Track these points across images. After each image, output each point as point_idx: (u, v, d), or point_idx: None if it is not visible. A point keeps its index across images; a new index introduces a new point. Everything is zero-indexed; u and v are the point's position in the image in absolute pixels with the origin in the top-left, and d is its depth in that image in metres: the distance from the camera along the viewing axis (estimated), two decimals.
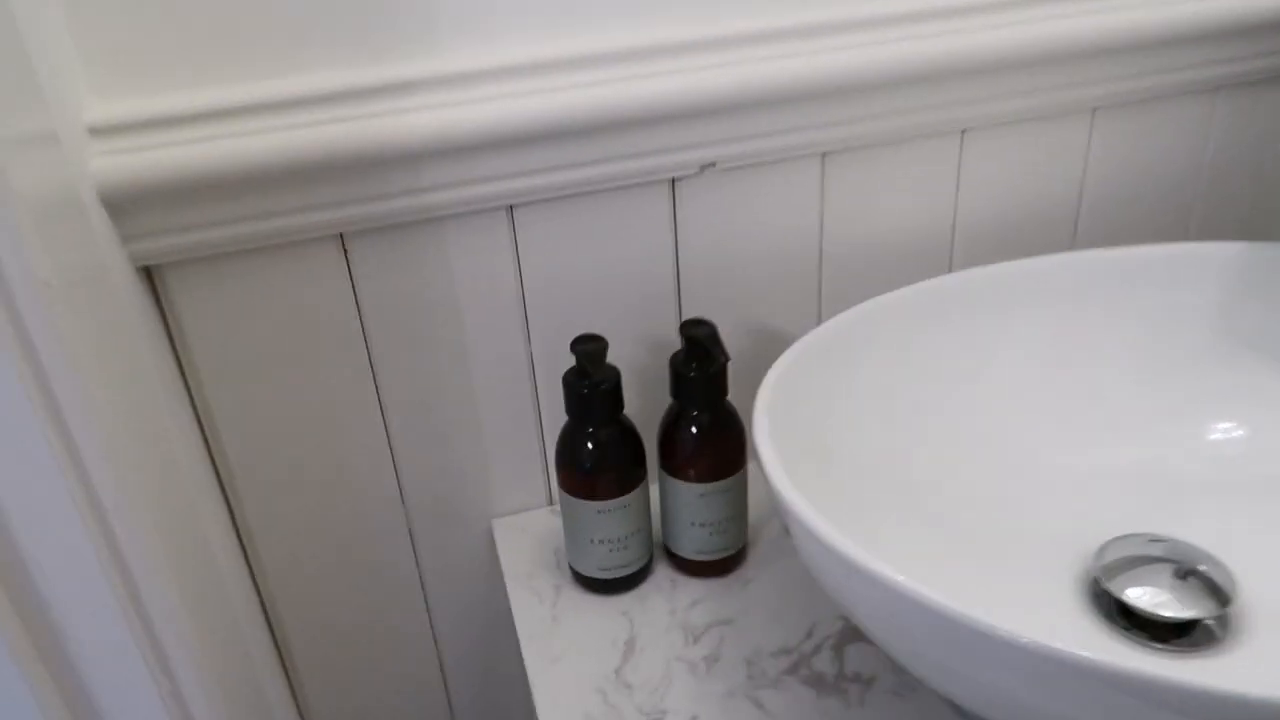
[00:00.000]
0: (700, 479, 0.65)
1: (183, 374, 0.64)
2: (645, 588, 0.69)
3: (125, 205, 0.57)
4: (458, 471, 0.74)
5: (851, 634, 0.64)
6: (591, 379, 0.62)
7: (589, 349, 0.61)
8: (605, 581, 0.68)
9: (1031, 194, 0.76)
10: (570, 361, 0.63)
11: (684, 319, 0.65)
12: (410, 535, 0.75)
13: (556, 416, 0.67)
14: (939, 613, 0.43)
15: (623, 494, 0.65)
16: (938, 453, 0.65)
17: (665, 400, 0.67)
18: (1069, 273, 0.68)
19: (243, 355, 0.64)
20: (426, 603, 0.78)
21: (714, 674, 0.62)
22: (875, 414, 0.64)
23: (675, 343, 0.72)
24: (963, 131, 0.72)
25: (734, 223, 0.70)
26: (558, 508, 0.77)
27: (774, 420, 0.55)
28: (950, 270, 0.77)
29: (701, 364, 0.63)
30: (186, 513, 0.59)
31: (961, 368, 0.67)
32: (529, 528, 0.76)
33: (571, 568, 0.70)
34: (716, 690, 0.61)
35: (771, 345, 0.74)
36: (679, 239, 0.70)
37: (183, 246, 0.60)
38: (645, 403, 0.70)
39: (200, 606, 0.56)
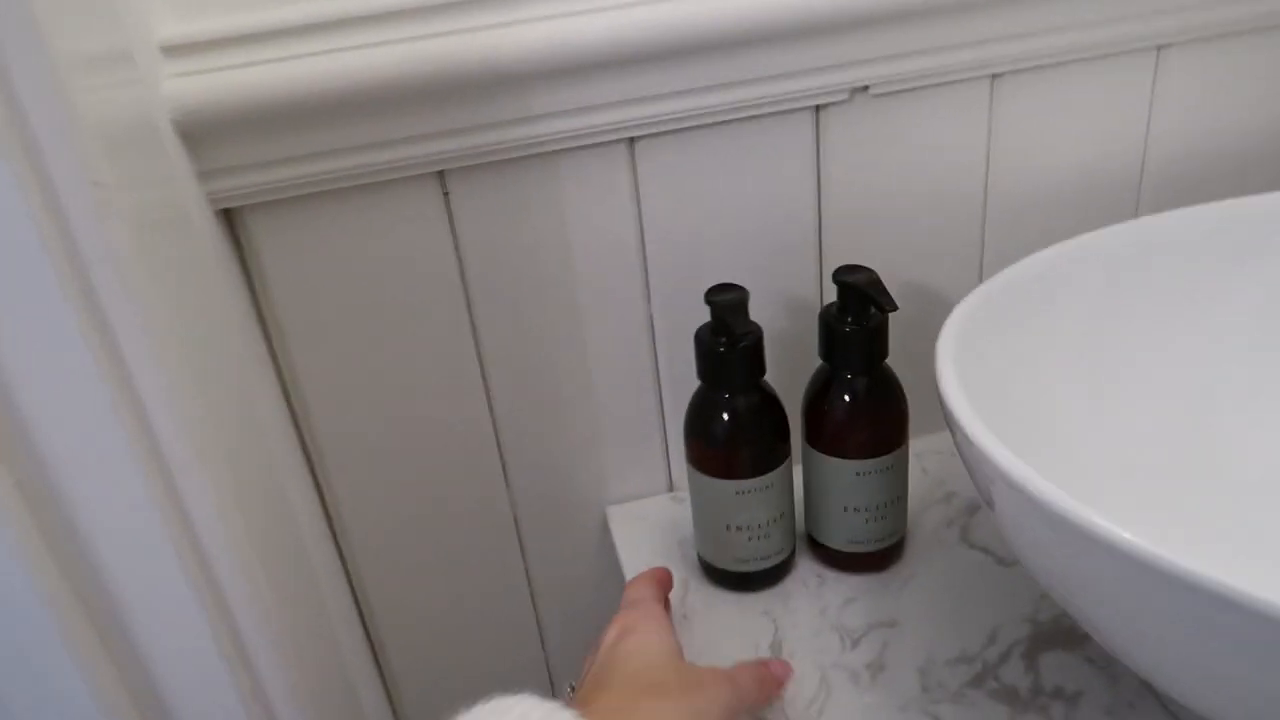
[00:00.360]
0: (856, 455, 0.55)
1: (265, 330, 0.57)
2: (788, 584, 0.59)
3: (202, 134, 0.50)
4: (568, 449, 0.65)
5: (1045, 639, 0.53)
6: (731, 335, 0.53)
7: (728, 299, 0.52)
8: (743, 575, 0.58)
9: (1241, 125, 0.64)
10: (696, 320, 0.54)
11: (830, 270, 0.55)
12: (515, 522, 0.67)
13: (679, 387, 0.58)
14: (1230, 599, 0.32)
15: (765, 472, 0.55)
16: (1151, 419, 0.54)
17: (804, 369, 0.57)
18: None
19: (331, 309, 0.57)
20: (533, 599, 0.69)
21: (880, 685, 0.52)
22: (1079, 368, 0.54)
23: (813, 302, 0.62)
24: (1159, 48, 0.61)
25: (887, 158, 0.60)
26: (680, 493, 0.68)
27: (962, 372, 0.45)
28: (1137, 215, 0.66)
29: (859, 317, 0.53)
30: (269, 485, 0.52)
31: (1183, 319, 0.56)
32: (649, 515, 0.67)
33: (701, 559, 0.60)
34: (886, 704, 0.51)
35: (926, 305, 0.64)
36: (821, 178, 0.60)
37: (265, 185, 0.52)
38: (781, 373, 0.60)
39: (285, 593, 0.48)
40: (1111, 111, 0.62)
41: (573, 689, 0.51)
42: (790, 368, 0.61)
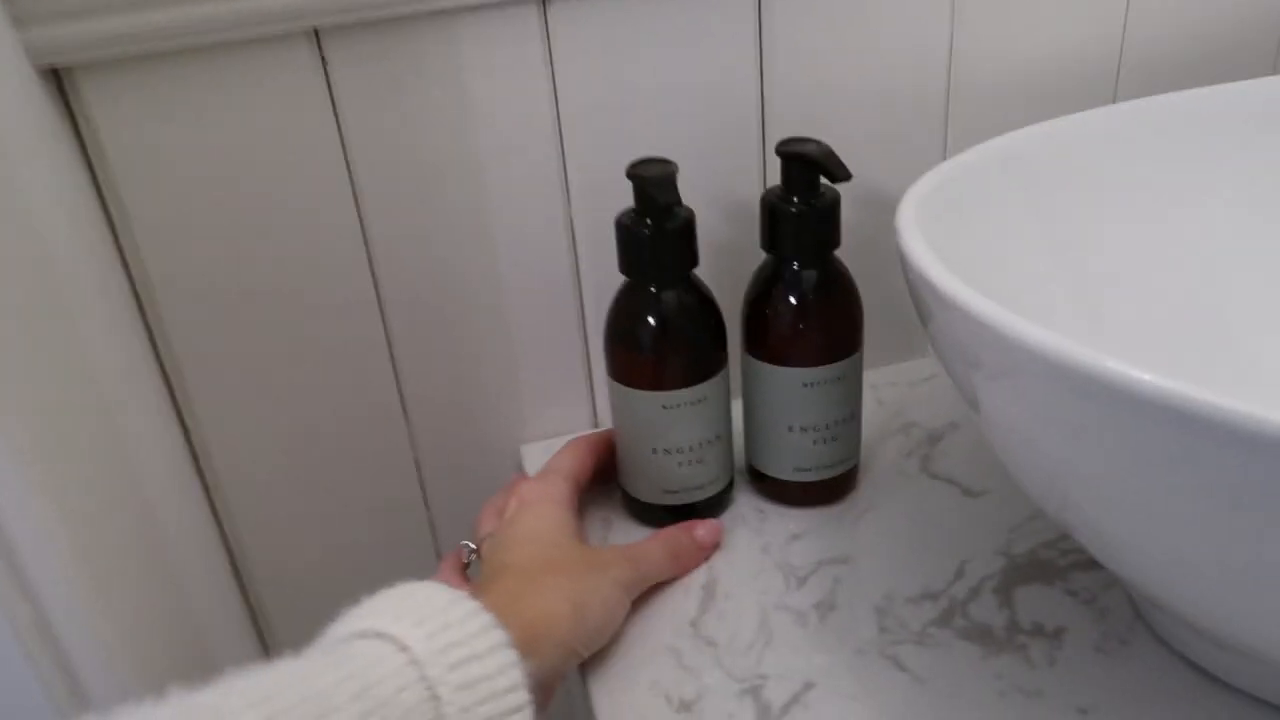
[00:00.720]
0: (804, 362, 0.47)
1: (110, 222, 0.48)
2: (725, 520, 0.51)
3: None
4: (476, 376, 0.57)
5: (1021, 573, 0.46)
6: (657, 216, 0.45)
7: (654, 172, 0.44)
8: (673, 510, 0.50)
9: (1220, 10, 0.58)
10: (619, 208, 0.46)
11: (774, 167, 0.48)
12: (416, 464, 0.58)
13: (605, 302, 0.49)
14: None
15: (698, 383, 0.47)
16: (1130, 308, 0.47)
17: (742, 275, 0.50)
18: None
19: (187, 200, 0.48)
20: (437, 548, 0.61)
21: (831, 626, 0.44)
22: (1048, 254, 0.46)
23: (754, 200, 0.54)
24: None
25: (838, 35, 0.53)
26: (605, 427, 0.60)
27: (927, 234, 0.38)
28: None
29: (807, 196, 0.46)
30: (94, 405, 0.42)
31: (1159, 206, 0.49)
32: None
33: (625, 493, 0.52)
34: (837, 647, 0.43)
35: (877, 208, 0.57)
36: (765, 53, 0.52)
37: (103, 36, 0.43)
38: (717, 276, 0.52)
39: (96, 521, 0.39)
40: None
41: (473, 550, 0.49)
42: (728, 271, 0.53)
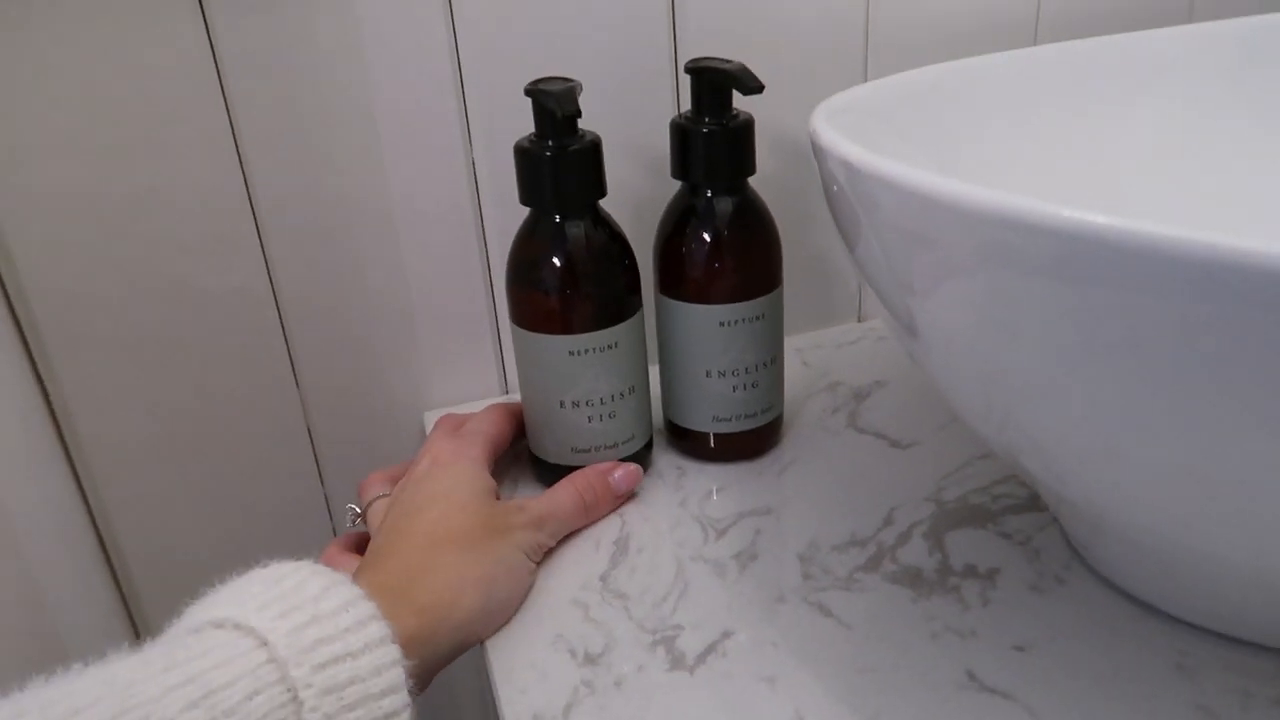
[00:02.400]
0: (721, 298, 0.44)
1: None
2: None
3: None
4: (373, 335, 0.53)
5: (951, 518, 0.43)
6: (557, 137, 0.42)
7: (555, 89, 0.41)
8: (580, 471, 0.46)
9: None
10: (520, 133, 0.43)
11: (688, 62, 0.44)
12: (309, 431, 0.54)
13: (507, 251, 0.46)
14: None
15: (608, 326, 0.44)
16: None
17: (655, 217, 0.46)
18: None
19: (44, 132, 0.43)
20: (333, 525, 0.56)
21: (751, 576, 0.41)
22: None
23: (664, 138, 0.52)
24: None
25: None
26: (517, 395, 0.56)
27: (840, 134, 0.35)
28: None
29: (719, 115, 0.43)
30: None
31: (1075, 145, 0.48)
32: None
33: (531, 454, 0.48)
34: (758, 596, 0.40)
35: (796, 161, 0.54)
36: None
37: None
38: (628, 224, 0.49)
39: None
40: None
41: (358, 513, 0.45)
42: (640, 214, 0.50)
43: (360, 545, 0.45)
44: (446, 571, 0.37)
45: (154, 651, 0.29)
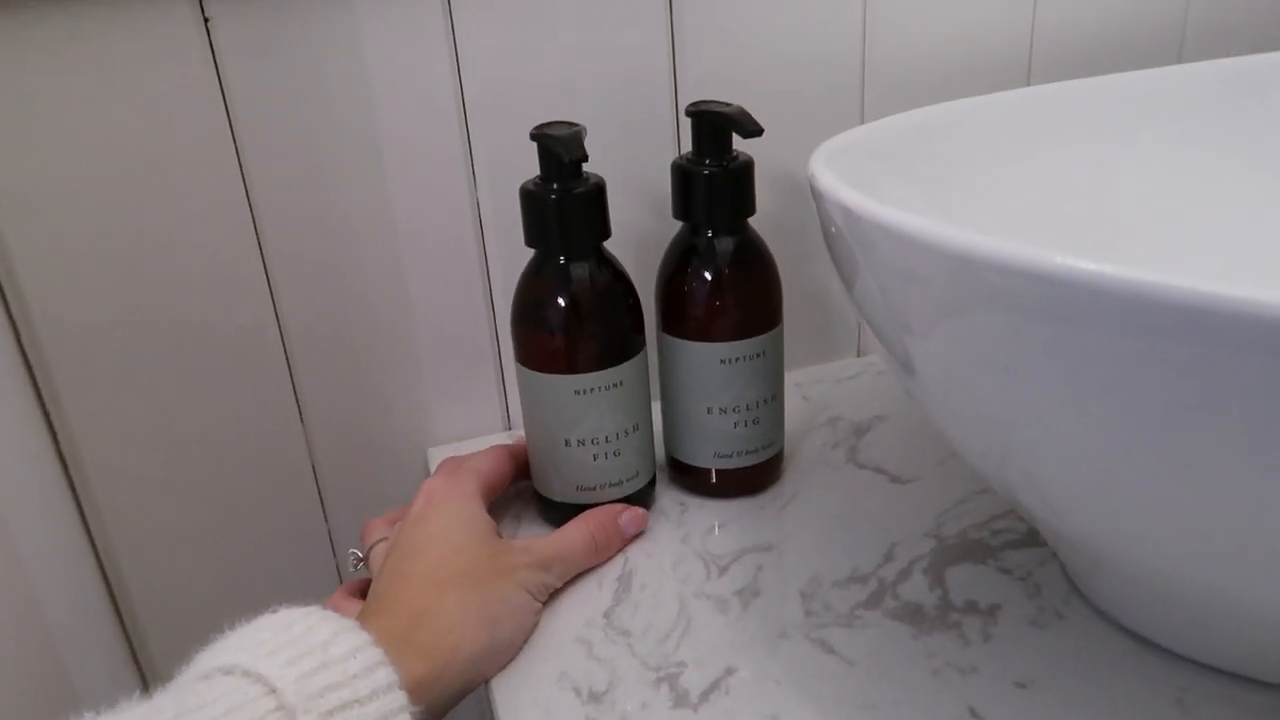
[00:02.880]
0: (723, 336, 0.45)
1: None
2: None
3: None
4: (378, 371, 0.53)
5: (951, 553, 0.44)
6: (563, 179, 0.42)
7: (561, 134, 0.42)
8: (585, 509, 0.47)
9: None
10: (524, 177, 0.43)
11: (689, 105, 0.45)
12: (313, 467, 0.54)
13: (511, 286, 0.47)
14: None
15: (613, 365, 0.44)
16: None
17: (656, 257, 0.47)
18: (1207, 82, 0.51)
19: (54, 168, 0.44)
20: (336, 563, 0.56)
21: (754, 613, 0.41)
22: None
23: (663, 180, 0.53)
24: None
25: (751, 8, 0.52)
26: (519, 431, 0.57)
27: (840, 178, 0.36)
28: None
29: (719, 157, 0.44)
30: None
31: (1069, 183, 0.49)
32: None
33: (535, 492, 0.49)
34: (760, 633, 0.40)
35: (794, 198, 0.55)
36: (675, 24, 0.51)
37: None
38: (630, 263, 0.50)
39: None
40: None
41: (360, 558, 0.45)
42: (642, 254, 0.51)
43: (364, 591, 0.46)
44: (449, 614, 0.37)
45: (164, 699, 0.30)
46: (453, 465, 0.46)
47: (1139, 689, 0.36)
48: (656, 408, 0.49)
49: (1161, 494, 0.30)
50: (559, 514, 0.47)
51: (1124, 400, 0.28)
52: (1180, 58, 0.60)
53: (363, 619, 0.37)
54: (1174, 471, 0.29)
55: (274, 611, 0.33)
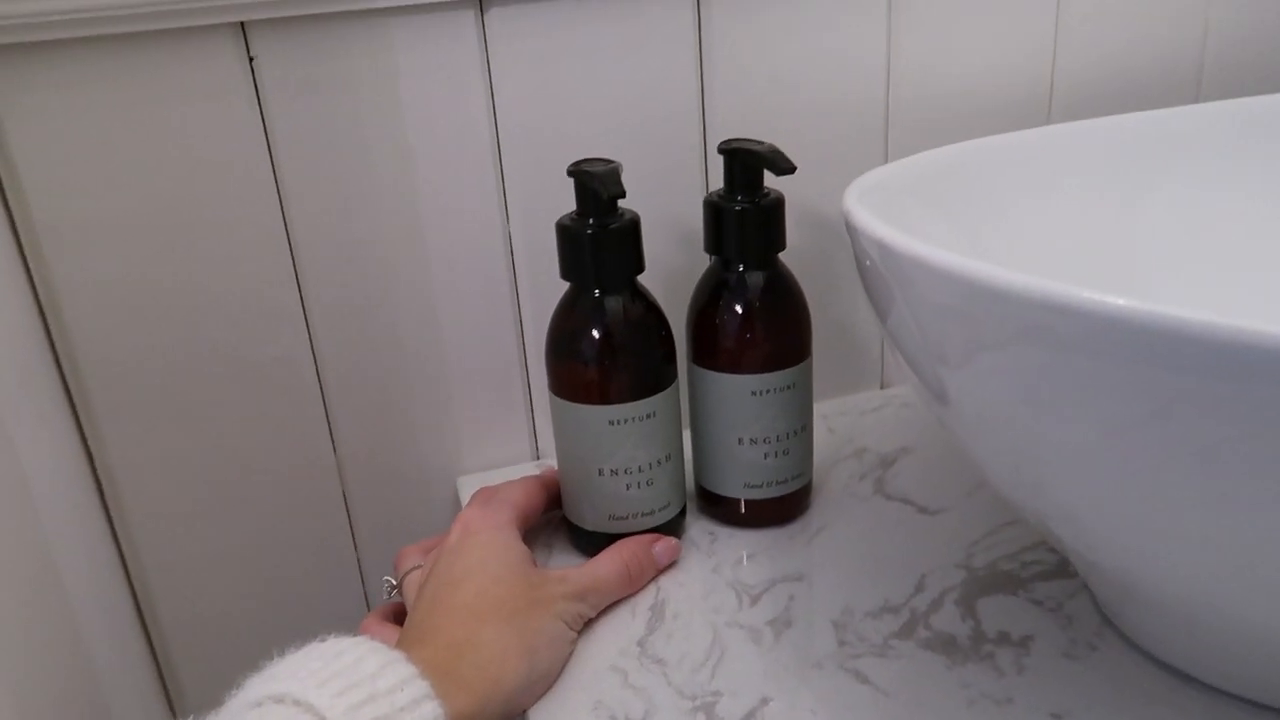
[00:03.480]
0: (753, 368, 0.46)
1: (12, 227, 0.45)
2: None
3: None
4: (410, 402, 0.54)
5: (982, 584, 0.44)
6: (599, 215, 0.43)
7: (598, 170, 0.43)
8: (617, 539, 0.47)
9: (1149, 36, 0.59)
10: (558, 218, 0.44)
11: (721, 143, 0.46)
12: (344, 496, 0.55)
13: (544, 323, 0.47)
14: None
15: (646, 397, 0.45)
16: None
17: (685, 292, 0.48)
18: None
19: (100, 205, 0.45)
20: (365, 591, 0.57)
21: (786, 642, 0.42)
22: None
23: (692, 215, 0.54)
24: None
25: (776, 50, 0.53)
26: (548, 461, 0.57)
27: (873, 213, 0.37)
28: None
29: (751, 193, 0.45)
30: None
31: (1095, 219, 0.49)
32: None
33: (568, 521, 0.49)
34: (794, 663, 0.40)
35: (820, 232, 0.56)
36: (705, 68, 0.52)
37: (8, 20, 0.41)
38: (662, 292, 0.51)
39: None
40: (1020, 19, 0.56)
41: (394, 585, 0.46)
42: (670, 289, 0.52)
43: (397, 616, 0.46)
44: (490, 646, 0.37)
45: None
46: (486, 495, 0.47)
47: None
48: (686, 438, 0.49)
49: (1197, 527, 0.30)
50: (591, 543, 0.48)
51: (1161, 434, 0.28)
52: (1198, 96, 0.61)
53: (403, 648, 0.37)
54: (1210, 505, 0.29)
55: (322, 640, 0.34)
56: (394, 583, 0.46)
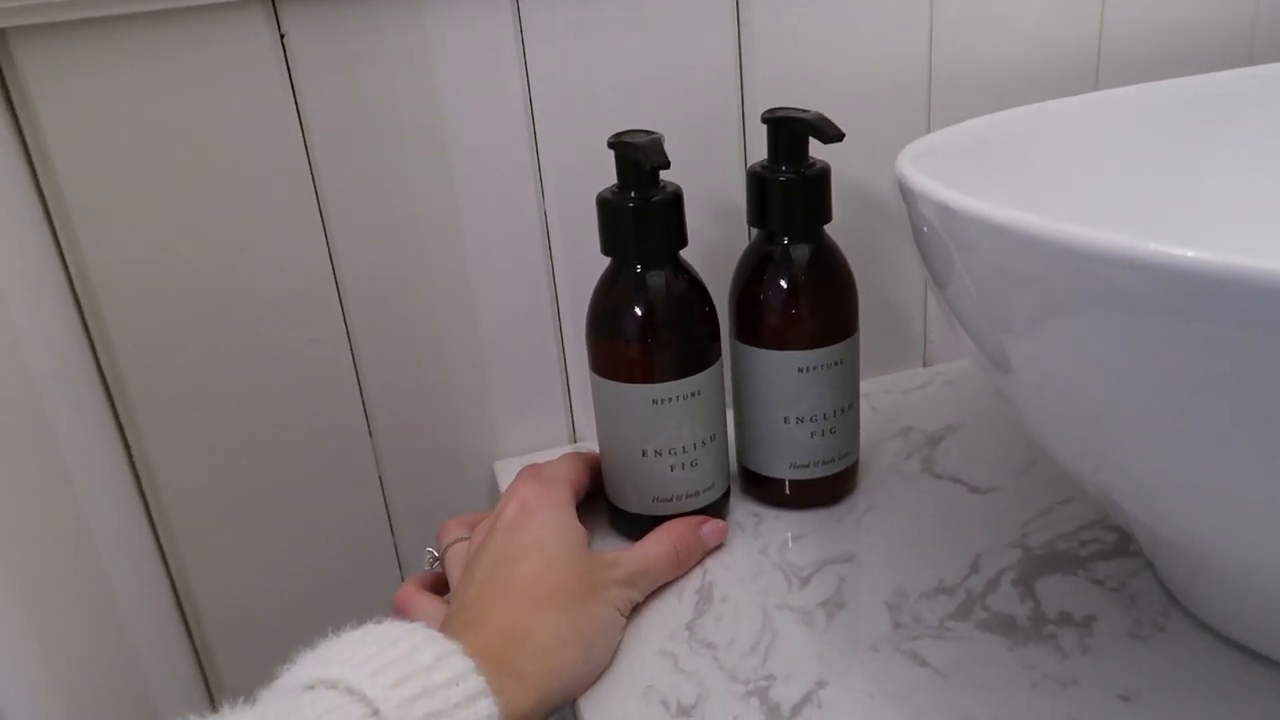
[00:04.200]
0: (799, 344, 0.44)
1: (44, 204, 0.44)
2: None
3: None
4: (443, 385, 0.53)
5: (1040, 564, 0.43)
6: (641, 188, 0.42)
7: (640, 142, 0.42)
8: (661, 521, 0.46)
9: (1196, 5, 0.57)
10: (594, 196, 0.43)
11: (765, 112, 0.45)
12: (380, 480, 0.54)
13: (581, 305, 0.46)
14: None
15: (690, 375, 0.44)
16: None
17: (726, 269, 0.47)
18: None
19: (132, 183, 0.45)
20: (402, 576, 0.56)
21: (840, 625, 0.40)
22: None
23: (730, 189, 0.52)
24: None
25: (816, 18, 0.51)
26: (586, 443, 0.56)
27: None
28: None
29: (796, 163, 0.43)
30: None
31: (1149, 185, 0.48)
32: None
33: (611, 505, 0.48)
34: (848, 645, 0.39)
35: (858, 201, 0.55)
36: (743, 38, 0.51)
37: (37, 2, 0.41)
38: (701, 272, 0.50)
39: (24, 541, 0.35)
40: None
41: (435, 557, 0.45)
42: (711, 265, 0.50)
43: (435, 585, 0.45)
44: (546, 634, 0.36)
45: (268, 709, 0.29)
46: (535, 470, 0.46)
47: (1251, 703, 0.34)
48: (729, 418, 0.48)
49: (1273, 495, 0.29)
50: (634, 526, 0.47)
51: (1240, 397, 0.27)
52: (1251, 59, 0.59)
53: (454, 630, 0.36)
54: None
55: (378, 623, 0.33)
56: (436, 555, 0.45)
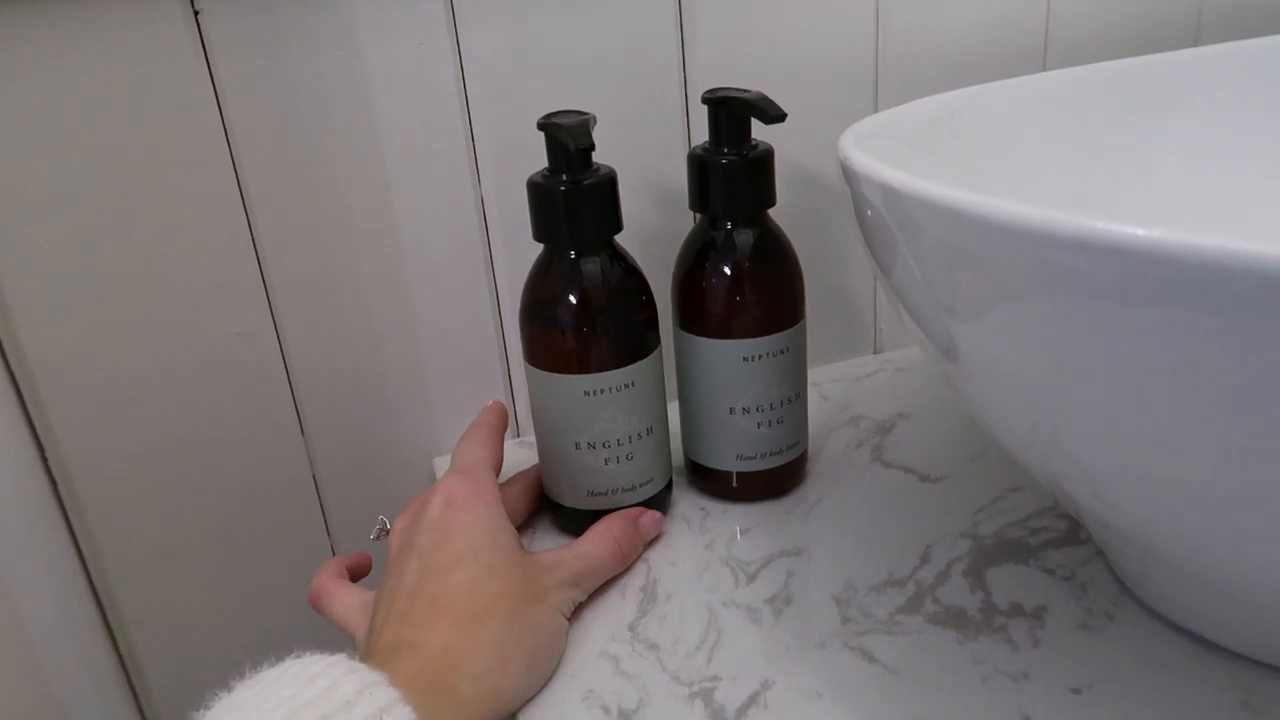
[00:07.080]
0: (744, 333, 0.43)
1: None
2: (663, 522, 0.46)
3: None
4: (381, 379, 0.51)
5: (991, 554, 0.42)
6: (572, 170, 0.40)
7: (568, 122, 0.40)
8: (599, 515, 0.45)
9: None
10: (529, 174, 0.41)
11: (705, 92, 0.43)
12: (314, 480, 0.52)
13: (519, 287, 0.44)
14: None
15: (626, 364, 0.42)
16: None
17: (668, 256, 0.45)
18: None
19: (39, 172, 0.42)
20: None
21: (787, 621, 0.39)
22: None
23: (672, 174, 0.51)
24: None
25: (761, 1, 0.50)
26: (529, 438, 0.55)
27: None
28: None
29: (739, 146, 0.42)
30: None
31: (1103, 166, 0.47)
32: None
33: (548, 498, 0.46)
34: (796, 643, 0.38)
35: (804, 185, 0.54)
36: (684, 16, 0.49)
37: None
38: (642, 261, 0.48)
39: None
40: None
41: (387, 530, 0.41)
42: (653, 253, 0.49)
43: (354, 569, 0.42)
44: (489, 652, 0.34)
45: None
46: (461, 461, 0.42)
47: (1202, 692, 0.34)
48: (673, 409, 0.47)
49: (1226, 483, 0.28)
50: (571, 520, 0.45)
51: (1190, 381, 0.26)
52: (1197, 41, 0.59)
53: (383, 649, 0.34)
54: (1240, 458, 0.27)
55: (297, 657, 0.30)
56: (388, 526, 0.42)
